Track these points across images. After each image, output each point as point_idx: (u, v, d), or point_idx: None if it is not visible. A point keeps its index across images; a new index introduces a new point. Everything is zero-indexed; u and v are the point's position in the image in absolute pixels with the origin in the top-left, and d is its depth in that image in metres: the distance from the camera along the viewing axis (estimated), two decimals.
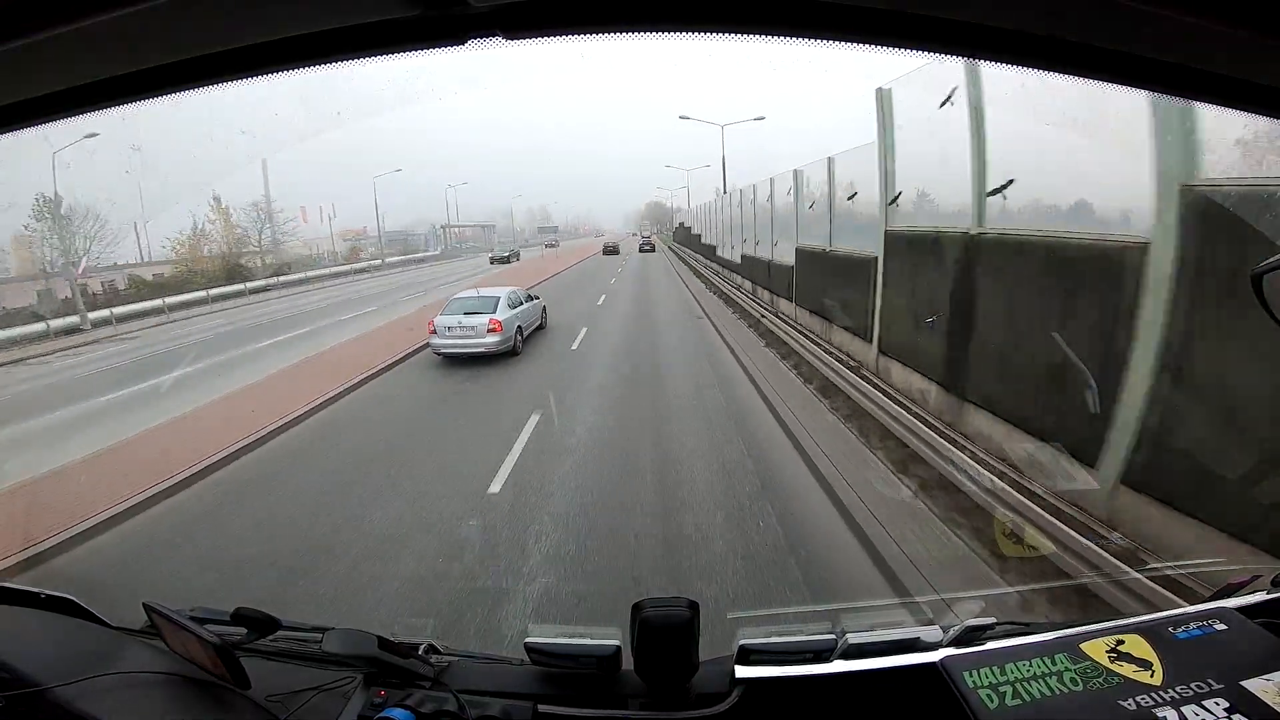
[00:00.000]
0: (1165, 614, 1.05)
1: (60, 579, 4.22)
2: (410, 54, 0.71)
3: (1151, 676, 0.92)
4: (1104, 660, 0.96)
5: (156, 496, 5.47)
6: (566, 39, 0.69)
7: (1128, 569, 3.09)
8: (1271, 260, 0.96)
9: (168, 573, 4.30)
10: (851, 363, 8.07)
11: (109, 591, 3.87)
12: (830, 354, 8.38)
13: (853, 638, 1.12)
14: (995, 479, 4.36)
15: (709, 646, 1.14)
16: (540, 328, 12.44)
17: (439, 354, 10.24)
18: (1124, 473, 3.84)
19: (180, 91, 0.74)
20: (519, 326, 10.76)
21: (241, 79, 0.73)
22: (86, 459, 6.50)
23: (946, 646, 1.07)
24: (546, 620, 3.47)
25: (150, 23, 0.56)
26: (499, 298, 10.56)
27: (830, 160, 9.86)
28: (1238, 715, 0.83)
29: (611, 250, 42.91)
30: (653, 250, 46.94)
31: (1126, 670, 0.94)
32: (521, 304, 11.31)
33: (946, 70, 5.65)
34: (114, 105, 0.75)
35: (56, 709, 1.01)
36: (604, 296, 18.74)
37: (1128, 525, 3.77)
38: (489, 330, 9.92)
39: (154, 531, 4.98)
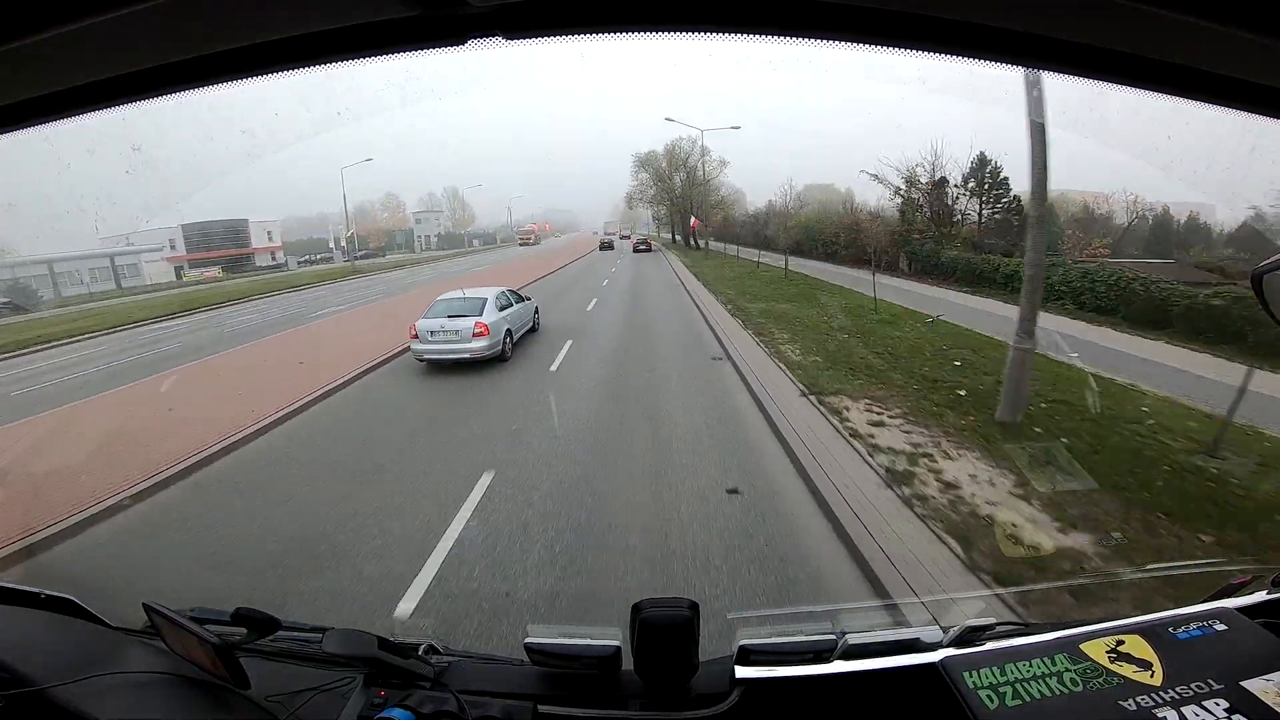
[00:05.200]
0: (1165, 614, 1.05)
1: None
2: (410, 54, 0.71)
3: (1151, 677, 0.92)
4: (1104, 661, 0.96)
5: None
6: (566, 39, 0.69)
7: (1128, 569, 3.10)
8: (1271, 260, 0.96)
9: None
10: None
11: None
12: None
13: (853, 638, 1.11)
14: None
15: (709, 647, 1.14)
16: (532, 330, 11.94)
17: (421, 360, 9.73)
18: None
19: (180, 91, 0.74)
20: (508, 330, 10.17)
21: (241, 79, 0.73)
22: None
23: (946, 647, 1.07)
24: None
25: (150, 23, 0.56)
26: (486, 299, 10.04)
27: None
28: (1238, 716, 0.83)
29: (606, 246, 38.38)
30: (648, 250, 34.49)
31: (1126, 671, 0.94)
32: (511, 305, 10.76)
33: None
34: (114, 105, 0.75)
35: (56, 709, 1.01)
36: None
37: None
38: (475, 334, 9.36)
39: None
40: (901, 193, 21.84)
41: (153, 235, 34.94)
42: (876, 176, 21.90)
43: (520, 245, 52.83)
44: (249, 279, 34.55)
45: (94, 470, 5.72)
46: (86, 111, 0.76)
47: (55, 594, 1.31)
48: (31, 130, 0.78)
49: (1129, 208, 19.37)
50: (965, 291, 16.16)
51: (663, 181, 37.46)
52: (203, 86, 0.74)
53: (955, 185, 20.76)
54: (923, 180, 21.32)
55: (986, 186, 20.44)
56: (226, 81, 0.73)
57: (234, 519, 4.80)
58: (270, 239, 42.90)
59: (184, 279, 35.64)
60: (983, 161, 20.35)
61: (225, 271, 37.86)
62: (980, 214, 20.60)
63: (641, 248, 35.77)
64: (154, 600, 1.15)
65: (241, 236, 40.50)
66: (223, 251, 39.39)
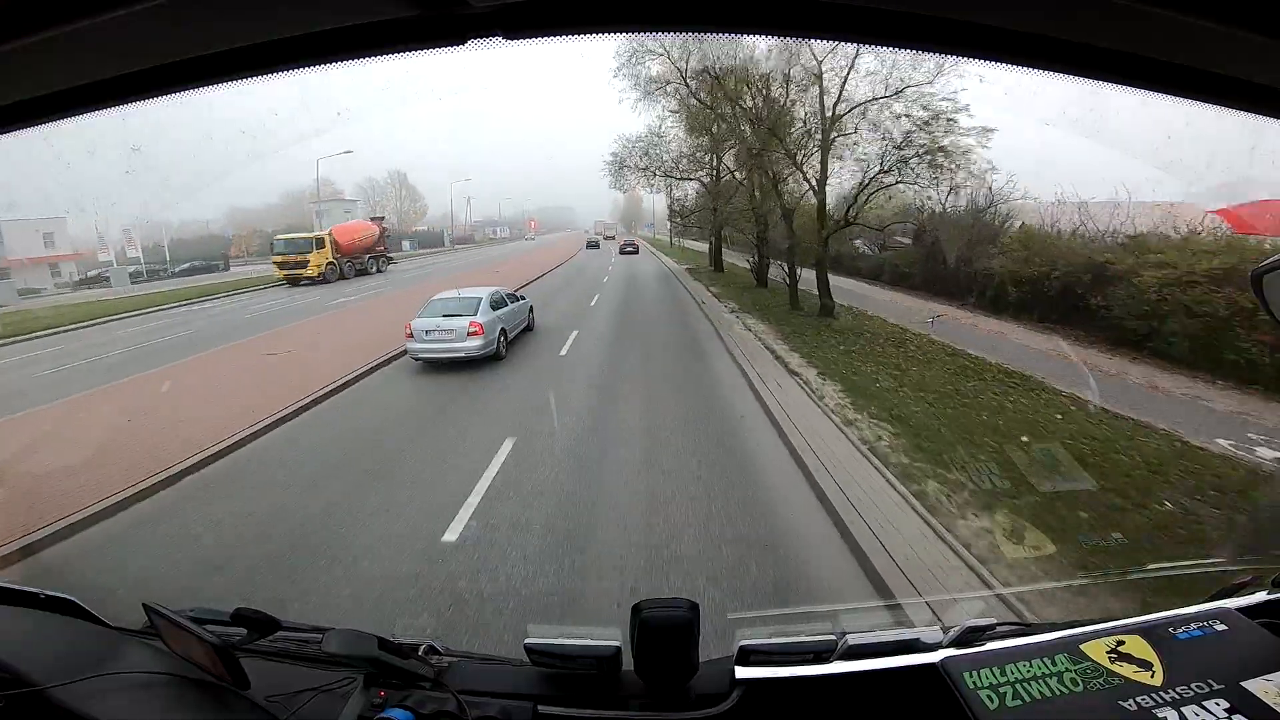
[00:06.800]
0: (1165, 614, 1.05)
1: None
2: (410, 54, 0.71)
3: (1152, 677, 0.92)
4: (1104, 661, 0.96)
5: None
6: (566, 39, 0.69)
7: (1128, 569, 3.10)
8: (1271, 260, 0.96)
9: None
10: None
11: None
12: None
13: (853, 638, 1.11)
14: None
15: (709, 647, 1.14)
16: (528, 329, 11.91)
17: (417, 359, 9.73)
18: None
19: (180, 91, 0.74)
20: (502, 329, 10.22)
21: (241, 79, 0.73)
22: None
23: (947, 647, 1.07)
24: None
25: (150, 23, 0.56)
26: (480, 298, 10.01)
27: None
28: (1238, 716, 0.83)
29: (593, 245, 38.40)
30: (635, 251, 33.56)
31: (1127, 671, 0.94)
32: (505, 304, 10.78)
33: None
34: (114, 105, 0.75)
35: (56, 709, 1.01)
36: None
37: None
38: (469, 334, 9.44)
39: None
40: None
41: None
42: None
43: (287, 283, 22.09)
44: None
45: None
46: (86, 111, 0.76)
47: (55, 594, 1.31)
48: (32, 130, 0.78)
49: None
50: None
51: (707, 113, 13.72)
52: (203, 86, 0.74)
53: None
54: None
55: None
56: (226, 81, 0.73)
57: None
58: (49, 245, 25.16)
59: None
60: None
61: None
62: None
63: (629, 249, 35.40)
64: (154, 600, 1.15)
65: None
66: None
